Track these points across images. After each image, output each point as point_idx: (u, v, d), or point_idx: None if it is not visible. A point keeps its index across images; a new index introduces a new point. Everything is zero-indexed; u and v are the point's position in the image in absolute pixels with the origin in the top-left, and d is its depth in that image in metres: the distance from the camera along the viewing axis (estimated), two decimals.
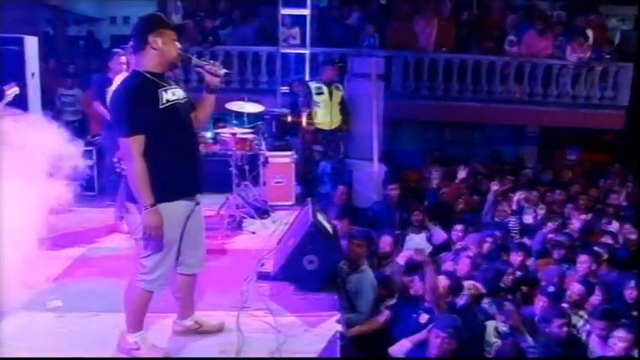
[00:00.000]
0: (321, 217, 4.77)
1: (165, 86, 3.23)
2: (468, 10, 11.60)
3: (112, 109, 3.21)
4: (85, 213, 6.33)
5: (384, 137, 8.27)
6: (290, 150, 7.18)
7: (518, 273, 5.82)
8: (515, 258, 5.95)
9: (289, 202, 6.93)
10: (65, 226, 5.27)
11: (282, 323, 3.96)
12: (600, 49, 10.91)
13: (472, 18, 11.49)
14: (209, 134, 7.82)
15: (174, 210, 3.28)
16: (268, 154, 6.96)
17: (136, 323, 3.47)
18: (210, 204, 6.20)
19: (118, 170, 5.92)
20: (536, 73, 10.87)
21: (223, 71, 3.48)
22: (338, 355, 3.34)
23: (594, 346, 4.58)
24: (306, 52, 9.44)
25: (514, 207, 7.09)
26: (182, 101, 3.32)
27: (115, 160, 5.82)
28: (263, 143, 6.97)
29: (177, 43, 3.26)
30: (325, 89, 7.57)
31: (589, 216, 7.54)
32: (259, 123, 7.11)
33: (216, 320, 3.91)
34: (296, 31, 10.11)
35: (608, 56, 10.90)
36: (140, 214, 3.17)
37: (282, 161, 7.02)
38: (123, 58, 6.28)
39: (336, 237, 4.84)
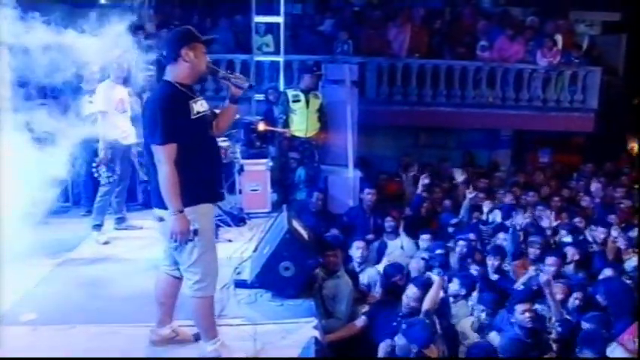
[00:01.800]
0: (296, 224, 4.80)
1: (194, 98, 3.38)
2: (440, 16, 11.71)
3: (146, 118, 3.35)
4: (59, 224, 6.28)
5: (358, 143, 8.31)
6: (265, 158, 7.20)
7: (496, 276, 5.95)
8: (493, 262, 6.04)
9: (265, 210, 6.95)
10: (40, 236, 5.21)
11: (260, 331, 3.97)
12: (569, 53, 11.13)
13: (444, 24, 11.60)
14: None
15: (209, 211, 3.46)
16: (243, 161, 6.97)
17: (210, 330, 3.59)
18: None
19: (95, 176, 5.91)
20: (507, 77, 11.01)
21: (247, 84, 3.68)
22: None
23: None
24: (280, 59, 9.46)
25: (484, 217, 7.23)
26: (208, 112, 3.49)
27: (93, 165, 5.83)
28: (238, 151, 6.98)
29: (206, 57, 3.43)
30: (302, 97, 7.57)
31: (560, 216, 7.67)
32: (234, 131, 7.12)
33: (193, 330, 3.91)
34: (269, 38, 10.14)
35: (577, 60, 11.12)
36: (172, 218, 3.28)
37: (257, 169, 7.03)
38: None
39: (312, 243, 4.87)
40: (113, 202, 6.13)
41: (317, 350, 3.28)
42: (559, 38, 11.19)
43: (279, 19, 9.21)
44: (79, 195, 7.07)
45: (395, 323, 4.64)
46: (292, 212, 5.13)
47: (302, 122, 7.55)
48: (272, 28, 9.90)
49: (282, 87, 8.99)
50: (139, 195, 7.11)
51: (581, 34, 13.15)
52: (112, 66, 5.81)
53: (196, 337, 3.84)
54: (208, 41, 3.50)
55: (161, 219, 3.40)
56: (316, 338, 3.57)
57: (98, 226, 5.95)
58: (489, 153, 11.82)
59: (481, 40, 10.98)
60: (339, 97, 8.15)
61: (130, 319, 4.12)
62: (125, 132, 5.97)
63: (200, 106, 3.39)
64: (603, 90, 11.35)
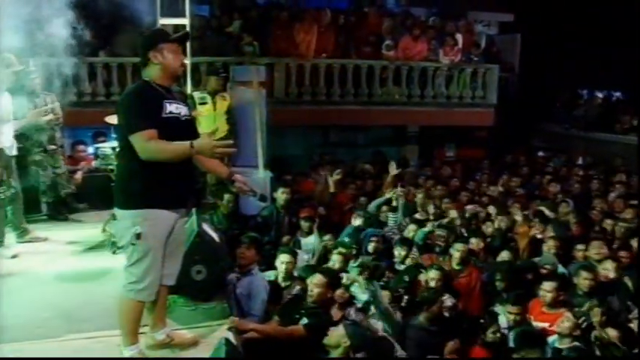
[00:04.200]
0: (206, 227, 4.78)
1: (169, 99, 3.37)
2: (345, 17, 11.92)
3: (120, 113, 3.34)
4: None
5: (268, 144, 8.34)
6: None
7: (402, 266, 6.17)
8: (400, 252, 6.28)
9: None
10: None
11: (174, 336, 3.93)
12: (469, 52, 11.67)
13: (350, 24, 11.83)
14: (90, 149, 7.59)
15: (159, 217, 3.35)
16: None
17: (132, 335, 3.49)
18: (94, 222, 6.05)
19: None
20: (412, 75, 11.43)
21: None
22: None
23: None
24: (187, 62, 9.32)
25: (394, 204, 7.48)
26: (183, 117, 3.44)
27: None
28: None
29: (180, 55, 3.44)
30: (209, 99, 7.52)
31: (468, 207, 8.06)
32: None
33: (189, 334, 3.93)
34: None
35: (476, 59, 11.69)
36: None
37: None
38: None
39: (223, 245, 4.87)
40: (9, 216, 5.77)
41: (228, 351, 3.31)
42: (459, 37, 11.70)
43: (185, 21, 9.06)
44: None
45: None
46: (202, 215, 5.10)
47: (210, 125, 7.47)
48: (178, 30, 9.72)
49: (189, 90, 8.87)
50: (42, 206, 6.76)
51: (480, 33, 13.81)
52: None
53: (194, 341, 3.87)
54: (180, 39, 3.50)
55: (114, 217, 3.46)
56: (227, 339, 3.59)
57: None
58: (398, 149, 12.17)
59: (386, 40, 11.28)
60: (247, 98, 8.15)
61: (36, 335, 3.97)
62: (10, 141, 5.61)
63: (175, 108, 3.37)
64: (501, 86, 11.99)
